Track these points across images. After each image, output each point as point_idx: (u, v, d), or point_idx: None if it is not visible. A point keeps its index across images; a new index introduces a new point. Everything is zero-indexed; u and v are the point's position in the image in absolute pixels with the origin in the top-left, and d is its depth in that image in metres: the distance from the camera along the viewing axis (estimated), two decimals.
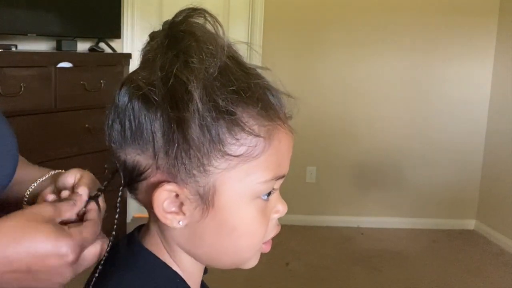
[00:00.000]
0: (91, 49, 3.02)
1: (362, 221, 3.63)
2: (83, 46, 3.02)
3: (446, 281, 2.88)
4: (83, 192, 0.59)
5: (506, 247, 3.33)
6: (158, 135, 0.51)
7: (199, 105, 0.49)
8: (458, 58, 3.54)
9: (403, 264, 3.08)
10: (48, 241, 0.51)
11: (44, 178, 0.69)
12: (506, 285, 2.89)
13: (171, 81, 0.50)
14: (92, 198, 0.59)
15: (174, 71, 0.50)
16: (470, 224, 3.70)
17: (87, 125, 2.62)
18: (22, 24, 2.62)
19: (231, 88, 0.51)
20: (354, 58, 3.51)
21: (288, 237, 3.27)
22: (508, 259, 3.21)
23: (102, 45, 3.06)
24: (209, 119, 0.49)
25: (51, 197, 0.60)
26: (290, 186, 3.55)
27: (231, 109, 0.50)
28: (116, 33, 3.08)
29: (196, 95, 0.49)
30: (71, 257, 0.52)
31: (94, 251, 0.56)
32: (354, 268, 2.99)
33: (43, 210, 0.54)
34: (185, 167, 0.51)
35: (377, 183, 3.65)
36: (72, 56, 2.70)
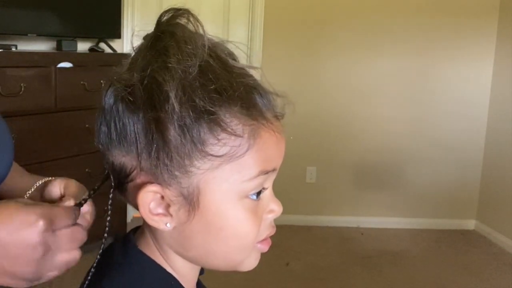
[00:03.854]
0: (91, 49, 3.02)
1: (362, 221, 3.63)
2: (83, 46, 3.02)
3: (446, 281, 2.88)
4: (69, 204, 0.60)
5: (506, 247, 3.32)
6: (141, 136, 0.51)
7: (176, 105, 0.48)
8: (458, 58, 3.54)
9: (403, 264, 3.07)
10: (18, 211, 0.51)
11: (32, 190, 0.69)
12: (506, 285, 2.89)
13: (145, 81, 0.49)
14: (77, 205, 0.60)
15: (151, 72, 0.49)
16: (470, 224, 3.70)
17: (87, 125, 2.62)
18: (22, 24, 2.62)
19: (211, 87, 0.49)
20: (354, 59, 3.51)
21: (288, 237, 3.27)
22: (508, 259, 3.21)
23: (102, 45, 3.06)
24: (188, 120, 0.48)
25: None
26: (290, 186, 3.56)
27: (210, 108, 0.49)
28: (116, 33, 3.08)
29: (172, 95, 0.48)
30: (41, 223, 0.51)
31: (67, 257, 0.55)
32: (354, 268, 2.99)
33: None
34: (167, 168, 0.50)
35: (377, 183, 3.65)
36: (72, 56, 2.71)
